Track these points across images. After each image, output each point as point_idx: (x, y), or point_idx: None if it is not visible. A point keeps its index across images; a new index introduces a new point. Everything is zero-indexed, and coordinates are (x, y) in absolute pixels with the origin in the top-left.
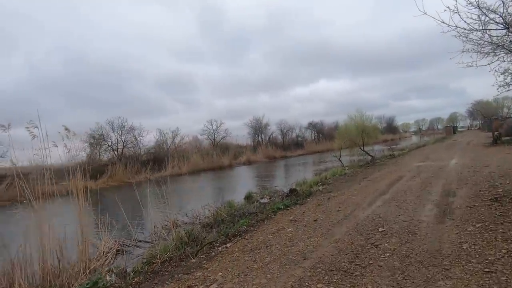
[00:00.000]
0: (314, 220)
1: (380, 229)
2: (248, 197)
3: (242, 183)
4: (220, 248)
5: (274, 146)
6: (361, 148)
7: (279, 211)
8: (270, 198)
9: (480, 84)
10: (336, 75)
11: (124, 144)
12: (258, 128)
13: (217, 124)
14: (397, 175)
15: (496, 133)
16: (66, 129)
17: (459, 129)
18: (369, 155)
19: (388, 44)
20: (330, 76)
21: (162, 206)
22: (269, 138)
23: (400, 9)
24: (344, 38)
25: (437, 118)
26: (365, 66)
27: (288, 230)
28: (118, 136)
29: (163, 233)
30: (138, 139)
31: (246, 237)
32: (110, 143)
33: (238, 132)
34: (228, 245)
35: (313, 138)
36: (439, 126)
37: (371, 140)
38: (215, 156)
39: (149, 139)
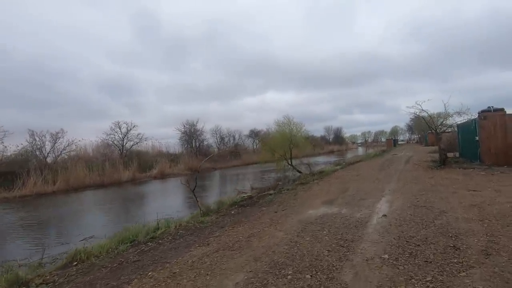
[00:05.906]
0: None
1: None
2: None
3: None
4: None
5: (204, 156)
6: (288, 163)
7: None
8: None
9: (412, 103)
10: (283, 87)
11: None
12: (190, 134)
13: (127, 127)
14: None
15: (442, 146)
16: None
17: (399, 142)
18: (298, 171)
19: (325, 62)
20: (277, 89)
21: None
22: (198, 146)
23: (332, 33)
24: (285, 53)
25: (381, 131)
26: (309, 80)
27: None
28: None
29: None
30: None
31: None
32: None
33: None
34: None
35: (255, 147)
36: (382, 139)
37: (300, 153)
38: (107, 168)
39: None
